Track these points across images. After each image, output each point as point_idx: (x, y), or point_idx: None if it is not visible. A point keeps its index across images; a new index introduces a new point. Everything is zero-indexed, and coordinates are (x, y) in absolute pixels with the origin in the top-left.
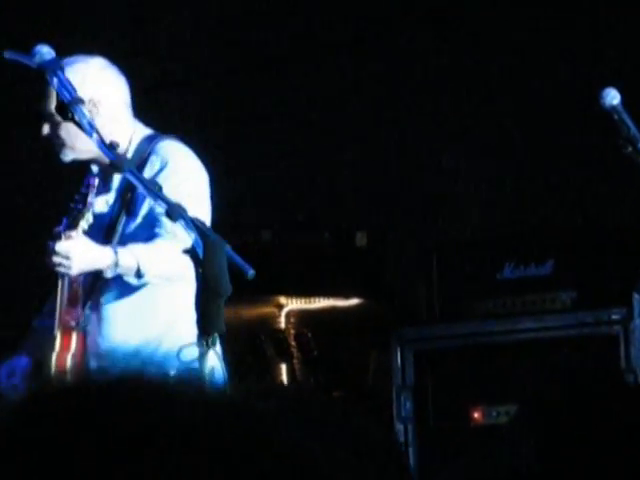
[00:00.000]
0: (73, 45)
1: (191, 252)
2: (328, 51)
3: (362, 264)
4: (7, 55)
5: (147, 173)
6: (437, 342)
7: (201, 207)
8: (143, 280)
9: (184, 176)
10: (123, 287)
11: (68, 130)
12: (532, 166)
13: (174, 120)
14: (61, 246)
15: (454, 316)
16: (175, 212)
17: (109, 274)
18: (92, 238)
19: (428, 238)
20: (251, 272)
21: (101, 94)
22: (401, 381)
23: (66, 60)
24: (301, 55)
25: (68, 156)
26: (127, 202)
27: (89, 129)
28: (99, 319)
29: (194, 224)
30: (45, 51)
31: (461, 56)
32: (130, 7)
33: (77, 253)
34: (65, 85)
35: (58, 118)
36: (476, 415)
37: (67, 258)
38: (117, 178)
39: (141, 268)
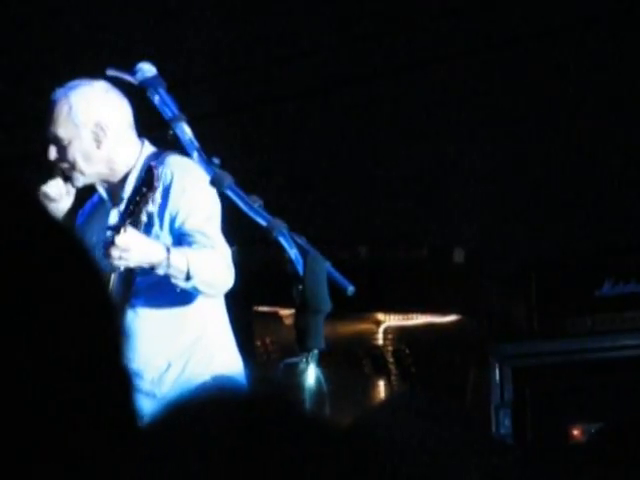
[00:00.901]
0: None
1: (291, 269)
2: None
3: (460, 280)
4: (109, 72)
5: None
6: (536, 359)
7: (211, 216)
8: (191, 283)
9: (191, 188)
10: (151, 301)
11: (75, 153)
12: (628, 181)
13: (250, 141)
14: (121, 239)
15: (553, 333)
16: (275, 228)
17: (161, 271)
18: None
19: (526, 254)
20: (351, 288)
21: (107, 117)
22: (500, 398)
23: (70, 84)
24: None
25: (79, 180)
26: (141, 215)
27: (190, 146)
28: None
29: (294, 240)
30: (147, 68)
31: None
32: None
33: (136, 246)
34: (167, 102)
35: (65, 142)
36: (575, 433)
37: (127, 251)
38: (127, 191)
39: (190, 270)
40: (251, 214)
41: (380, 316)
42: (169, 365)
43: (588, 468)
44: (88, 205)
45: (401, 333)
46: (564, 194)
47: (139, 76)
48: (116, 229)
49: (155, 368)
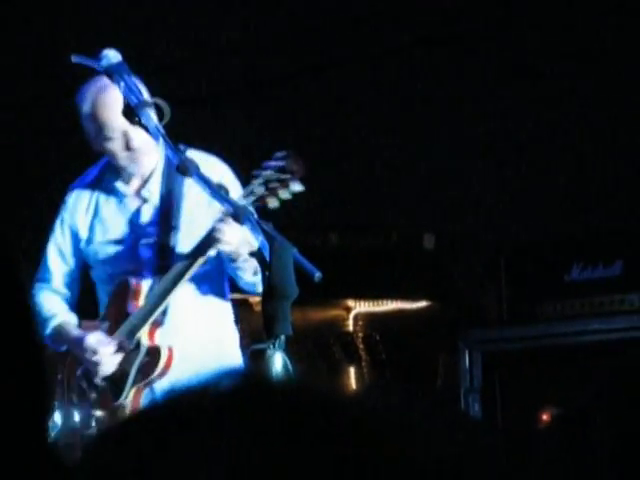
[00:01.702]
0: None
1: (258, 255)
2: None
3: (430, 266)
4: (75, 59)
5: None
6: (505, 344)
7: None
8: (254, 279)
9: (236, 187)
10: (198, 290)
11: (139, 137)
12: (600, 166)
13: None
14: (234, 224)
15: (522, 318)
16: (242, 214)
17: (240, 263)
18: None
19: (496, 240)
20: (318, 274)
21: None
22: (469, 383)
23: (90, 83)
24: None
25: (134, 169)
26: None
27: (156, 132)
28: (168, 324)
29: (260, 227)
30: (112, 55)
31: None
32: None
33: (241, 233)
34: (132, 89)
35: (133, 133)
36: (545, 417)
37: (234, 236)
38: (154, 187)
39: (258, 267)
40: (217, 200)
41: (350, 302)
42: (203, 353)
43: (548, 452)
44: (89, 178)
45: (371, 319)
46: (532, 180)
47: (104, 63)
48: (235, 215)
49: (194, 356)
